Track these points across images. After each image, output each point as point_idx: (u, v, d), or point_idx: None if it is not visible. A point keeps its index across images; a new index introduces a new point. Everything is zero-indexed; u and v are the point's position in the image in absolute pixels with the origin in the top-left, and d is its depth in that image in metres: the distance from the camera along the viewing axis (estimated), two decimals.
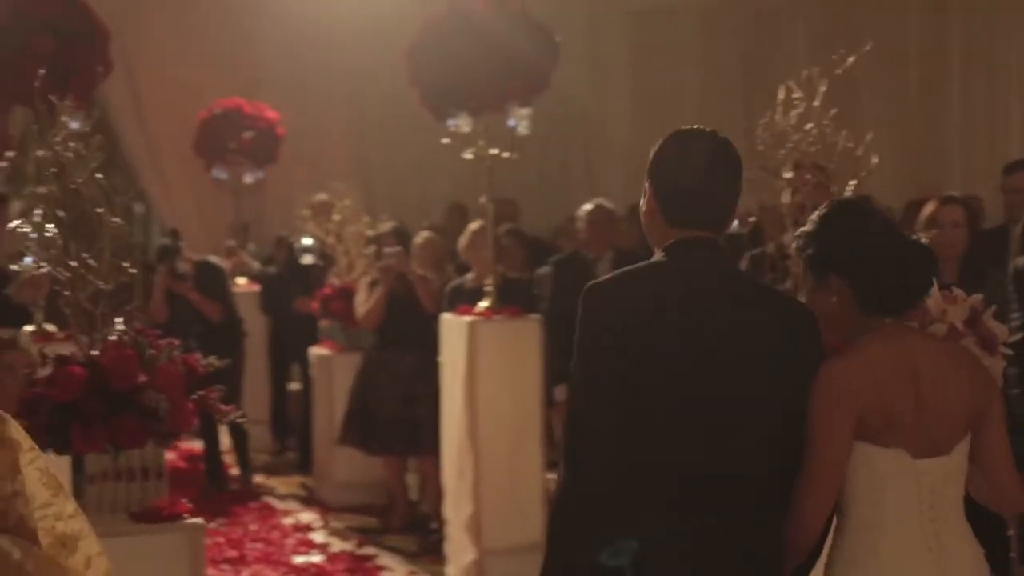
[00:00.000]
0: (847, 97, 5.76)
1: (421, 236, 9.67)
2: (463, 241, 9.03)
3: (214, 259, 11.39)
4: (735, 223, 5.44)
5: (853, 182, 5.42)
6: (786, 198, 5.47)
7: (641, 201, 3.49)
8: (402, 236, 9.69)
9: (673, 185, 3.42)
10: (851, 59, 5.39)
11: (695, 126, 3.52)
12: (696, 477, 3.26)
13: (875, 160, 5.44)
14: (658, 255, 3.43)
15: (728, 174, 3.45)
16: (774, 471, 3.34)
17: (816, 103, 5.39)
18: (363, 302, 9.43)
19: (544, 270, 8.93)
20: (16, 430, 2.98)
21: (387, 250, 9.35)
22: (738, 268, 3.64)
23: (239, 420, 4.89)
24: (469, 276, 8.95)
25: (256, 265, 12.87)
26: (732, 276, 3.54)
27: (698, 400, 3.28)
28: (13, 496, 2.91)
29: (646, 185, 3.47)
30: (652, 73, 14.92)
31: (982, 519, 3.81)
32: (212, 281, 10.63)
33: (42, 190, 4.99)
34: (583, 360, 3.35)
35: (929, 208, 5.89)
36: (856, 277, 3.46)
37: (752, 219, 5.64)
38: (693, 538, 3.25)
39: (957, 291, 3.89)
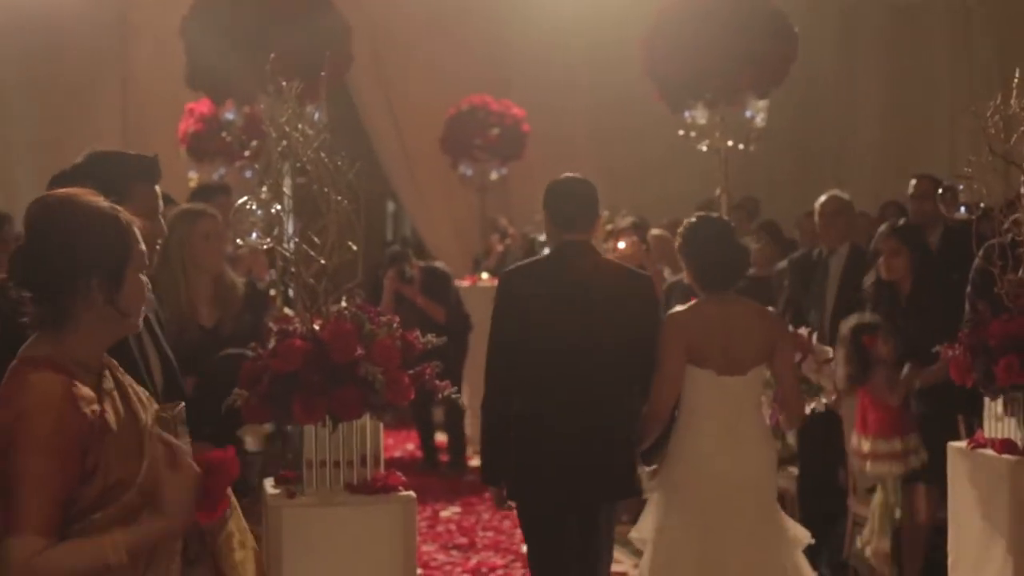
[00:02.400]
0: None
1: (654, 231, 9.68)
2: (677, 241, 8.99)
3: (440, 264, 11.98)
4: (962, 208, 5.38)
5: None
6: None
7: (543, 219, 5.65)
8: (641, 230, 9.70)
9: (559, 208, 5.52)
10: None
11: (568, 175, 5.68)
12: (575, 387, 5.29)
13: None
14: (553, 250, 5.61)
15: (589, 199, 5.55)
16: (620, 379, 5.43)
17: None
18: None
19: (782, 266, 8.73)
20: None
21: (622, 242, 9.36)
22: (600, 255, 5.72)
23: (454, 396, 4.95)
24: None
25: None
26: (597, 260, 5.58)
27: (575, 338, 5.33)
28: None
29: (544, 210, 5.58)
30: (905, 64, 14.53)
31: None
32: (437, 285, 11.22)
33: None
34: (498, 321, 5.46)
35: None
36: (691, 267, 5.73)
37: (982, 205, 5.44)
38: (577, 425, 5.31)
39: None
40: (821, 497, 7.92)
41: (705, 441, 5.46)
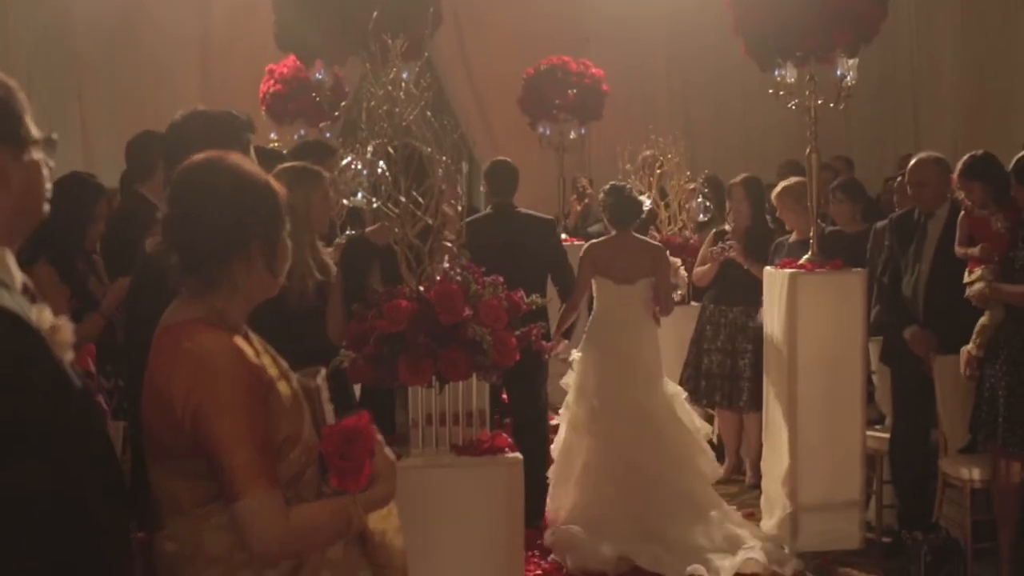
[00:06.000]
0: None
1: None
2: (774, 198, 8.96)
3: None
4: None
5: None
6: None
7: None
8: (752, 187, 9.71)
9: (493, 183, 8.55)
10: None
11: (499, 159, 8.73)
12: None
13: None
14: (491, 208, 8.56)
15: (513, 176, 8.56)
16: (539, 281, 7.92)
17: None
18: (704, 257, 9.59)
19: (880, 225, 8.55)
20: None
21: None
22: (518, 209, 8.55)
23: (561, 357, 4.92)
24: (793, 233, 8.90)
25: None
26: (517, 213, 8.50)
27: (508, 261, 6.90)
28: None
29: (484, 182, 8.74)
30: (982, 23, 14.29)
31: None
32: None
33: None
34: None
35: None
36: (606, 213, 8.37)
37: None
38: None
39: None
40: (912, 459, 7.86)
41: (606, 325, 8.21)
